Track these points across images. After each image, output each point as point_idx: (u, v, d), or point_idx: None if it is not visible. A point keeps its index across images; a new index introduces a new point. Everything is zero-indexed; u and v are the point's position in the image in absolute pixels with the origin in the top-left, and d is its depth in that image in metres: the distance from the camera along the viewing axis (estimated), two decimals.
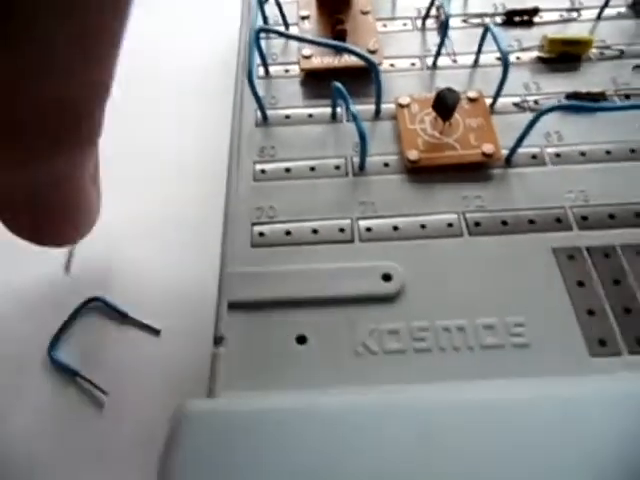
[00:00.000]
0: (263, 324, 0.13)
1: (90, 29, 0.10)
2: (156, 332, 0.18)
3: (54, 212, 0.16)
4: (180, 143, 0.22)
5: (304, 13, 0.20)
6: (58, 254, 0.19)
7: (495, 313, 0.13)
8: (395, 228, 0.15)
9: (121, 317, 0.18)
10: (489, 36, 0.18)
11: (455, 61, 0.19)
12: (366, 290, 0.14)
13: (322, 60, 0.18)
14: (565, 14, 0.21)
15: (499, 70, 0.18)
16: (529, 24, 0.21)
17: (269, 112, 0.18)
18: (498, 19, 0.21)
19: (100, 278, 0.19)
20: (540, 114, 0.15)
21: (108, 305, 0.18)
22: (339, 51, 0.17)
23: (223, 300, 0.13)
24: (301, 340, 0.13)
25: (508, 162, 0.16)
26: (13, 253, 0.19)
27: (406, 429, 0.10)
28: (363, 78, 0.18)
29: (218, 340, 0.13)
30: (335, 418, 0.10)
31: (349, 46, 0.16)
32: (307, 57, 0.18)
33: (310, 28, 0.19)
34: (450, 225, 0.15)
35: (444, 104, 0.15)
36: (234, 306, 0.13)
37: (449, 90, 0.15)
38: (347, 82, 0.17)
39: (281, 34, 0.17)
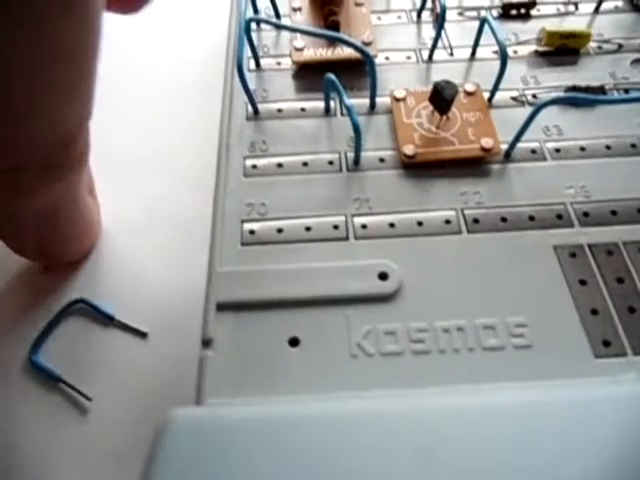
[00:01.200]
0: (254, 325, 0.13)
1: (70, 75, 0.10)
2: (143, 335, 0.17)
3: (57, 229, 0.16)
4: (169, 139, 0.21)
5: (296, 4, 0.19)
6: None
7: (495, 313, 0.13)
8: (391, 225, 0.14)
9: (107, 320, 0.18)
10: (486, 29, 0.17)
11: (452, 54, 0.19)
12: (362, 289, 0.13)
13: (315, 52, 0.18)
14: (562, 7, 0.20)
15: (496, 63, 0.17)
16: (526, 17, 0.20)
17: (260, 106, 0.17)
18: (494, 12, 0.20)
19: (85, 279, 0.18)
20: (540, 107, 0.14)
21: (93, 307, 0.18)
22: (332, 43, 0.17)
23: (211, 301, 0.13)
24: (294, 342, 0.12)
25: (507, 157, 0.16)
26: None
27: (402, 439, 0.09)
28: (357, 71, 0.18)
29: (206, 342, 0.12)
30: (327, 428, 0.09)
31: (343, 36, 0.15)
32: (299, 49, 0.18)
33: (302, 20, 0.19)
34: (448, 222, 0.14)
35: (441, 97, 0.15)
36: (223, 307, 0.13)
37: (446, 82, 0.15)
38: (341, 75, 0.17)
39: (272, 23, 0.17)
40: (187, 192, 0.19)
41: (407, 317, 0.13)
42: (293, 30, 0.16)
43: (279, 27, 0.17)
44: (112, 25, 0.25)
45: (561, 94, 0.17)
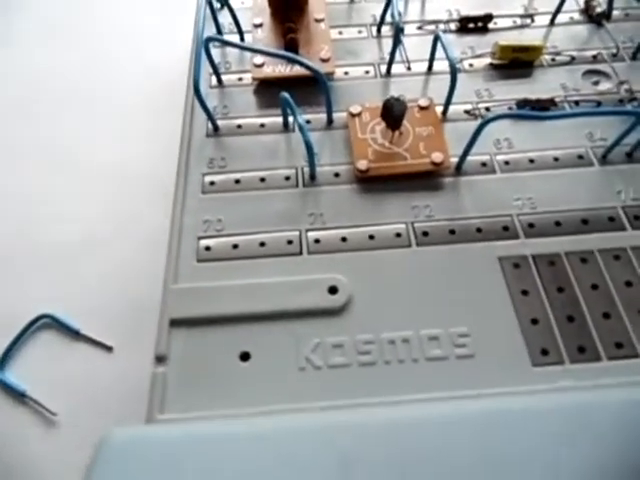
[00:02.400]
0: (206, 341, 0.13)
1: None
2: (108, 349, 0.18)
3: None
4: (131, 154, 0.21)
5: (257, 21, 0.20)
6: (3, 272, 0.19)
7: (440, 324, 0.13)
8: (344, 239, 0.15)
9: (72, 334, 0.18)
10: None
11: (409, 68, 0.19)
12: (312, 304, 0.13)
13: (274, 69, 0.18)
14: (519, 20, 0.21)
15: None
16: (483, 30, 0.21)
17: (220, 122, 0.18)
18: (452, 26, 0.21)
19: (50, 294, 0.18)
20: (484, 123, 0.15)
21: (59, 322, 0.18)
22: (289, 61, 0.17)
23: (165, 317, 0.13)
24: (244, 357, 0.13)
25: (458, 170, 0.16)
26: None
27: (331, 453, 0.10)
28: (316, 86, 0.18)
29: (159, 359, 0.13)
30: (266, 443, 0.10)
31: (297, 57, 0.16)
32: (259, 66, 0.18)
33: (263, 36, 0.19)
34: (398, 235, 0.15)
35: (391, 113, 0.15)
36: (176, 323, 0.13)
37: (396, 99, 0.15)
38: (300, 90, 0.17)
39: (228, 43, 0.17)
40: (151, 208, 0.19)
41: (355, 330, 0.13)
42: (249, 50, 0.16)
43: (236, 47, 0.17)
44: (80, 36, 0.25)
45: (513, 108, 0.18)
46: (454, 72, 0.16)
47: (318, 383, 0.12)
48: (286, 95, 0.15)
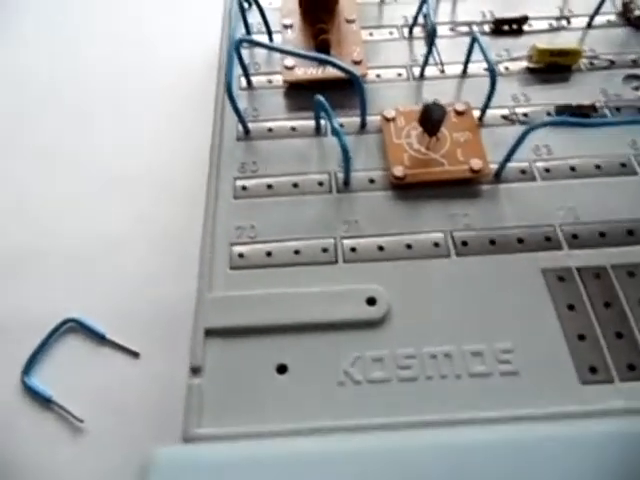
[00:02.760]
0: (242, 352, 0.13)
1: None
2: (135, 355, 0.17)
3: None
4: (158, 155, 0.21)
5: (287, 22, 0.19)
6: (30, 276, 0.19)
7: (483, 339, 0.13)
8: (380, 248, 0.14)
9: (98, 339, 0.18)
10: (477, 45, 0.17)
11: (443, 71, 0.19)
12: (350, 315, 0.13)
13: (305, 71, 0.18)
14: (554, 22, 0.20)
15: (488, 80, 0.17)
16: (518, 33, 0.20)
17: (251, 125, 0.17)
18: (486, 27, 0.20)
19: (75, 298, 0.18)
20: (528, 130, 0.14)
21: (85, 326, 0.18)
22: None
23: (199, 327, 0.13)
24: (281, 369, 0.12)
25: (497, 177, 0.16)
26: None
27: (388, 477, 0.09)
28: (348, 89, 0.18)
29: (194, 370, 0.12)
30: (310, 468, 0.09)
31: (331, 59, 0.15)
32: (290, 68, 0.18)
33: (293, 37, 0.19)
34: (437, 245, 0.14)
35: (430, 119, 0.15)
36: (211, 333, 0.13)
37: (435, 104, 0.15)
38: (332, 93, 0.17)
39: (261, 45, 0.17)
40: (181, 212, 0.19)
41: (395, 343, 0.13)
42: (282, 52, 0.16)
43: (268, 48, 0.17)
44: (103, 41, 0.25)
45: (552, 114, 0.17)
46: (494, 76, 0.16)
47: (358, 398, 0.12)
48: (321, 98, 0.15)
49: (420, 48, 0.20)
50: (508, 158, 0.15)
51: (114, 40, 0.25)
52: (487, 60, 0.16)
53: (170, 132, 0.21)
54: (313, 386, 0.12)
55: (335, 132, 0.14)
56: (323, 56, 0.15)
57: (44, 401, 0.16)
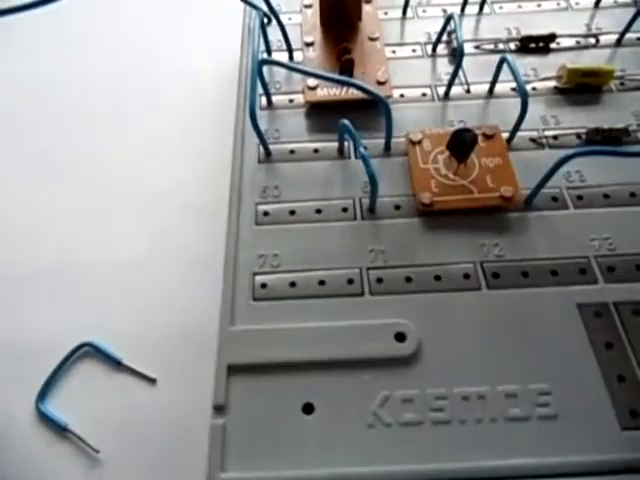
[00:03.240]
0: (266, 390, 0.12)
1: None
2: (152, 381, 0.17)
3: None
4: (176, 173, 0.20)
5: (309, 39, 0.19)
6: (43, 299, 0.18)
7: (518, 379, 0.12)
8: (408, 279, 0.14)
9: (114, 364, 0.17)
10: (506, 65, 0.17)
11: (468, 91, 0.18)
12: (378, 352, 0.12)
13: (328, 92, 0.17)
14: (582, 40, 0.20)
15: (515, 101, 0.17)
16: (545, 50, 0.20)
17: (272, 146, 0.17)
18: (512, 45, 0.20)
19: (92, 320, 0.18)
20: (565, 159, 0.14)
21: (100, 351, 0.17)
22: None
23: (222, 363, 0.12)
24: (308, 409, 0.12)
25: (526, 204, 0.15)
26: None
27: None
28: (371, 110, 0.17)
29: (218, 409, 0.12)
30: None
31: (357, 82, 0.15)
32: (312, 88, 0.17)
33: (315, 56, 0.18)
34: (467, 277, 0.14)
35: (460, 145, 0.14)
36: (234, 369, 0.12)
37: (465, 130, 0.14)
38: (354, 114, 0.16)
39: (285, 66, 0.16)
40: (195, 228, 0.19)
41: (425, 382, 0.12)
42: (307, 74, 0.16)
43: (293, 70, 0.17)
44: (118, 55, 0.24)
45: (582, 137, 0.17)
46: (525, 99, 0.15)
47: (389, 442, 0.11)
48: (347, 124, 0.15)
49: (444, 66, 0.19)
50: (542, 185, 0.14)
51: (130, 56, 0.25)
52: (518, 82, 0.15)
53: (186, 149, 0.21)
54: (341, 428, 0.12)
55: (362, 158, 0.14)
56: (350, 80, 0.15)
57: (59, 429, 0.16)
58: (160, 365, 0.17)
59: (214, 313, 0.16)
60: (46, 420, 0.16)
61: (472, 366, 0.12)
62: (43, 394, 0.17)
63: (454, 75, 0.17)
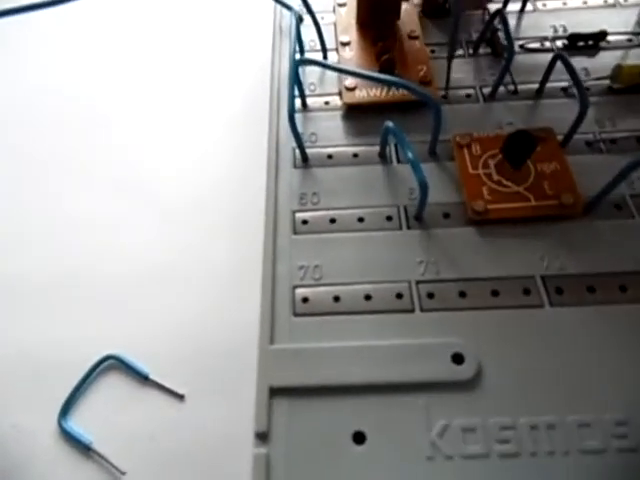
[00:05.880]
0: (312, 416, 0.11)
1: None
2: (180, 397, 0.16)
3: None
4: (210, 184, 0.19)
5: (344, 39, 0.18)
6: (66, 309, 0.18)
7: (591, 408, 0.11)
8: (462, 294, 0.13)
9: (141, 378, 0.16)
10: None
11: (516, 92, 0.17)
12: (434, 375, 0.11)
13: (368, 93, 0.16)
14: (634, 38, 0.19)
15: (566, 102, 0.16)
16: (593, 49, 0.18)
17: (309, 151, 0.16)
18: (559, 43, 0.19)
19: (118, 332, 0.17)
20: (634, 165, 0.12)
21: (126, 365, 0.17)
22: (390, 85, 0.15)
23: (263, 385, 0.11)
24: (359, 438, 0.11)
25: (586, 212, 0.14)
26: (19, 309, 0.18)
27: None
28: (413, 112, 0.16)
29: (260, 436, 0.11)
30: None
31: (408, 83, 0.14)
32: (350, 89, 0.16)
33: (351, 56, 0.17)
34: (527, 292, 0.13)
35: (518, 150, 0.13)
36: (277, 392, 0.11)
37: (523, 133, 0.13)
38: (395, 116, 0.15)
39: (324, 66, 0.15)
40: (228, 238, 0.18)
41: (488, 410, 0.11)
42: (347, 73, 0.15)
43: (336, 70, 0.16)
44: (146, 59, 0.24)
45: None
46: (585, 101, 0.14)
47: (451, 477, 0.10)
48: (391, 125, 0.14)
49: (487, 65, 0.18)
50: (606, 193, 0.13)
51: (154, 61, 0.24)
52: (576, 82, 0.14)
53: (216, 154, 0.20)
54: (397, 460, 0.10)
55: (412, 164, 0.13)
56: (402, 81, 0.14)
57: (83, 448, 0.15)
58: (189, 380, 0.16)
59: (245, 326, 0.16)
60: (69, 438, 0.15)
61: (538, 392, 0.11)
62: (65, 410, 0.16)
63: (502, 75, 0.16)
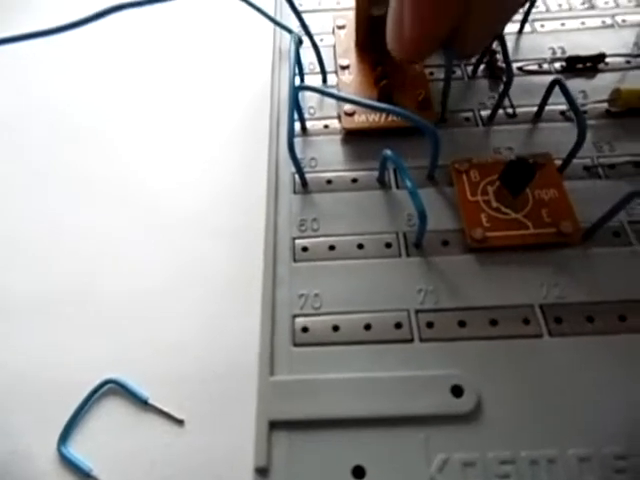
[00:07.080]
0: (312, 450, 0.11)
1: None
2: (179, 422, 0.16)
3: None
4: (210, 204, 0.19)
5: (343, 62, 0.18)
6: (64, 328, 0.18)
7: (590, 441, 0.11)
8: (461, 324, 0.13)
9: (140, 403, 0.16)
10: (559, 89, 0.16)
11: (514, 115, 0.17)
12: (433, 408, 0.11)
13: (367, 118, 0.16)
14: (632, 60, 0.19)
15: (564, 125, 0.16)
16: (592, 71, 0.19)
17: (308, 176, 0.16)
18: (557, 65, 0.19)
19: (116, 355, 0.17)
20: (630, 198, 0.12)
21: (125, 389, 0.17)
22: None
23: (263, 419, 0.11)
24: (358, 473, 0.11)
25: (584, 240, 0.14)
26: (16, 332, 0.18)
27: None
28: (412, 137, 0.16)
29: (260, 472, 0.11)
30: None
31: (403, 111, 0.14)
32: (349, 114, 0.16)
33: (351, 80, 0.17)
34: (526, 322, 0.13)
35: (517, 178, 0.13)
36: (276, 426, 0.11)
37: (522, 161, 0.13)
38: (394, 142, 0.16)
39: (324, 93, 0.15)
40: (227, 256, 0.18)
41: (488, 443, 0.11)
42: (345, 100, 0.15)
43: (336, 98, 0.16)
44: (147, 76, 0.24)
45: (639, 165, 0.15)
46: (583, 126, 0.14)
47: None
48: (392, 155, 0.14)
49: (485, 88, 0.18)
50: (606, 220, 0.13)
51: (156, 78, 0.24)
52: (574, 107, 0.14)
53: (216, 175, 0.20)
54: None
55: (411, 194, 0.13)
56: (396, 108, 0.14)
57: (83, 474, 0.15)
58: (188, 405, 0.16)
59: (245, 350, 0.16)
60: (68, 464, 0.15)
61: (538, 425, 0.11)
62: (65, 436, 0.16)
63: (501, 98, 0.16)
